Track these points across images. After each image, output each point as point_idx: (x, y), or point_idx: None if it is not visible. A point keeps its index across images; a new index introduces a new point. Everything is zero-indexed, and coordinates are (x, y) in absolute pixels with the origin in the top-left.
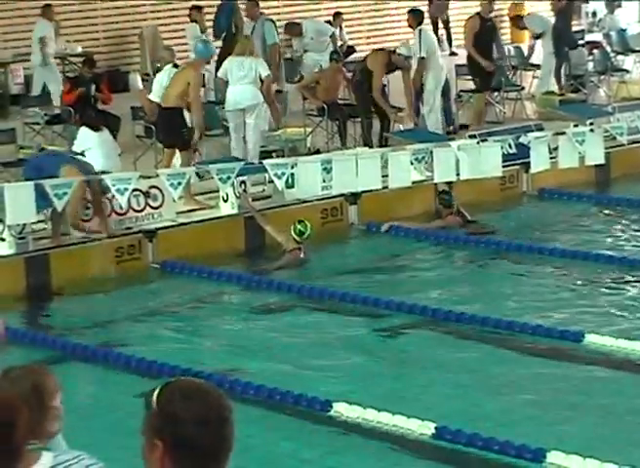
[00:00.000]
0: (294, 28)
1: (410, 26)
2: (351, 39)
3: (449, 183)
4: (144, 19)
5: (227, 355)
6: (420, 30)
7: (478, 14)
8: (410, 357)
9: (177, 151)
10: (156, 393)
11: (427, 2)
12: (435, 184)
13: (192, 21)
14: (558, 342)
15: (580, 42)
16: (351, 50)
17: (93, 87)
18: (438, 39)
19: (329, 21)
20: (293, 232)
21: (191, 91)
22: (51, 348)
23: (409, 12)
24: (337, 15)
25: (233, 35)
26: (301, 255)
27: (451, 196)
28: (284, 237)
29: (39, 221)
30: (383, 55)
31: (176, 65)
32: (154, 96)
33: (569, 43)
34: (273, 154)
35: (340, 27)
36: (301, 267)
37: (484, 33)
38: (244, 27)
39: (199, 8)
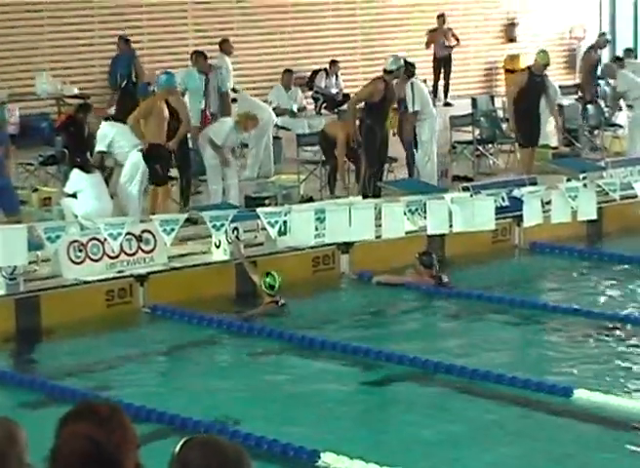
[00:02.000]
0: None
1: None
2: (347, 87)
3: (440, 236)
4: (141, 63)
5: (215, 402)
6: (412, 83)
7: (529, 68)
8: (398, 408)
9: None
10: (180, 443)
11: (430, 42)
12: (428, 236)
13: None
14: (547, 397)
15: (575, 96)
16: (347, 98)
17: (86, 129)
18: (436, 89)
19: (325, 69)
20: (264, 287)
21: (181, 115)
22: (38, 390)
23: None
24: (333, 63)
25: (134, 84)
26: (279, 305)
27: (432, 258)
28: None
29: (30, 263)
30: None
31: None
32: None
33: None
34: (266, 201)
35: (337, 75)
36: (290, 314)
37: (531, 90)
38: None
39: (201, 53)
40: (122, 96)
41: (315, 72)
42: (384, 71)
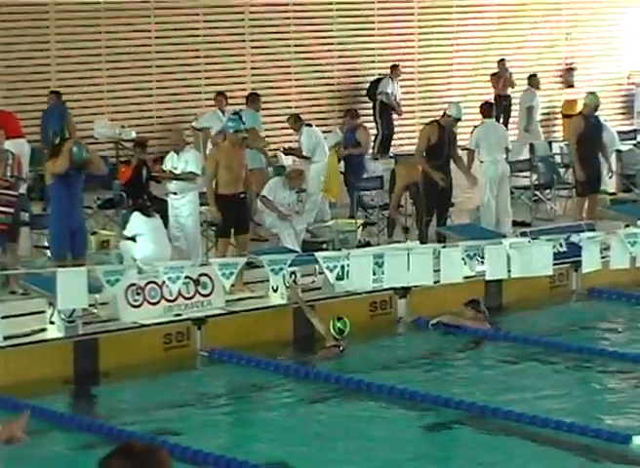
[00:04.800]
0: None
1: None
2: (403, 125)
3: (498, 281)
4: (199, 107)
5: (272, 446)
6: (483, 123)
7: (581, 113)
8: (455, 454)
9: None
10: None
11: (492, 82)
12: (486, 281)
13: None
14: (605, 444)
15: (633, 142)
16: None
17: (144, 171)
18: None
19: (390, 76)
20: (332, 329)
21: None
22: (96, 433)
23: (482, 105)
24: (394, 67)
25: (65, 140)
26: (340, 351)
27: (480, 304)
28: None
29: (89, 305)
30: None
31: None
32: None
33: None
34: (323, 245)
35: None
36: (348, 359)
37: (588, 135)
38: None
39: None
40: (52, 153)
41: (376, 80)
42: (444, 114)
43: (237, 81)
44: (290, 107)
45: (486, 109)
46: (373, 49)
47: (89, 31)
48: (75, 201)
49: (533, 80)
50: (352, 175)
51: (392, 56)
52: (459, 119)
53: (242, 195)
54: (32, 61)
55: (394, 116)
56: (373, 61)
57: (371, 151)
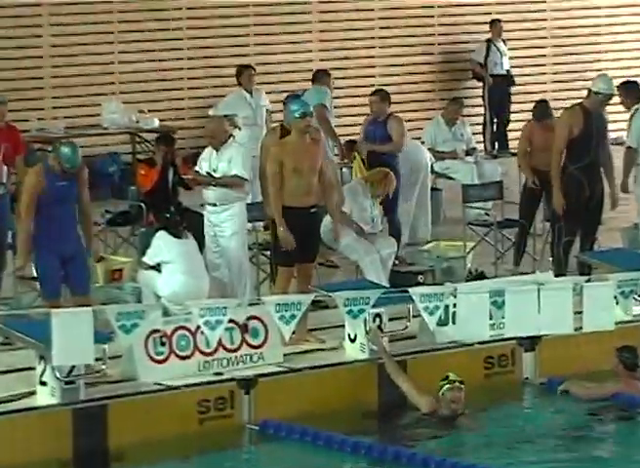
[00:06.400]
0: None
1: (623, 105)
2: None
3: None
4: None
5: None
6: (638, 110)
7: None
8: None
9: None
10: None
11: None
12: None
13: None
14: None
15: None
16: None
17: (171, 173)
18: None
19: (488, 40)
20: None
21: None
22: None
23: (621, 85)
24: (493, 23)
25: None
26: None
27: (636, 356)
28: (423, 396)
29: (96, 360)
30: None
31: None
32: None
33: None
34: (420, 277)
35: (503, 42)
36: (454, 434)
37: None
38: None
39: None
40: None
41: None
42: (589, 93)
43: (301, 49)
44: (373, 85)
45: (635, 91)
46: (488, 4)
47: None
48: (66, 219)
49: None
50: None
51: (514, 13)
52: (610, 96)
53: (312, 209)
54: (24, 31)
55: (512, 97)
56: (484, 22)
57: (482, 147)
